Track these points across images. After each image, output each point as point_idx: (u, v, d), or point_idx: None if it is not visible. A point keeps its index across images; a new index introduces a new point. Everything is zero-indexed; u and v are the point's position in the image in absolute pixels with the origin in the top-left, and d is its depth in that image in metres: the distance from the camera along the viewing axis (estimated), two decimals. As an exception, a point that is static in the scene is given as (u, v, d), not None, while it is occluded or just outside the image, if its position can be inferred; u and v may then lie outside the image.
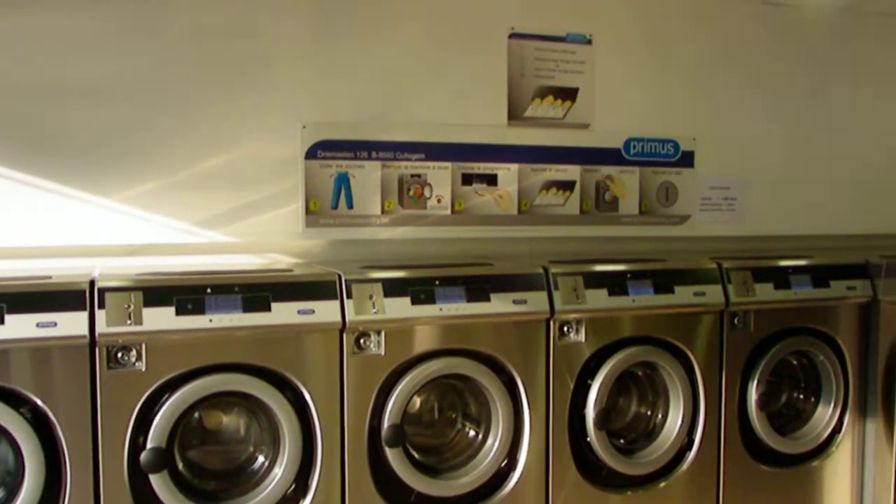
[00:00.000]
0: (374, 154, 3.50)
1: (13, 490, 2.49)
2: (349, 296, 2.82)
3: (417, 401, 3.16)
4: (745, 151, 4.20)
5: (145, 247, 3.29)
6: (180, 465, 2.75)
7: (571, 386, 3.15)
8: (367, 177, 3.49)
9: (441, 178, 3.60)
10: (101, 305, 2.56)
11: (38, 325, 2.49)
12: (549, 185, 3.78)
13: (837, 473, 3.67)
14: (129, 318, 2.57)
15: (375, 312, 2.83)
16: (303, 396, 2.78)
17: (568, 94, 3.81)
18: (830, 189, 4.39)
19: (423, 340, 2.95)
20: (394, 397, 2.88)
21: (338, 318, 2.80)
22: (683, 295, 3.29)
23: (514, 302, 3.02)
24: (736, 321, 3.40)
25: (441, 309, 2.92)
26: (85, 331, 2.53)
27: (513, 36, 3.70)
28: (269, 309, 2.71)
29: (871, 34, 4.43)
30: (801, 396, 3.69)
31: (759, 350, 3.45)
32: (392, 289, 2.89)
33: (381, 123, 3.53)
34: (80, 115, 3.18)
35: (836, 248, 4.18)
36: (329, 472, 2.83)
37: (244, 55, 3.36)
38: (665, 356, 3.28)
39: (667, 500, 3.35)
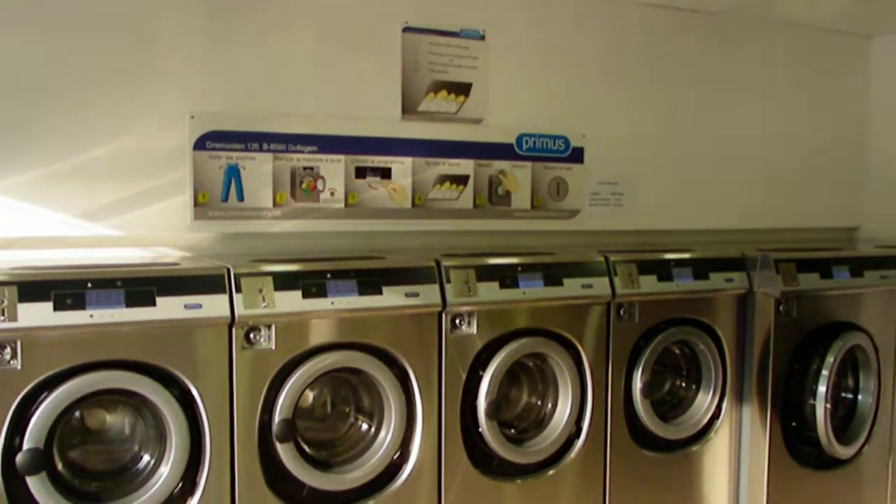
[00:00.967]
0: (265, 146, 3.45)
1: None
2: (238, 290, 2.77)
3: (310, 395, 3.13)
4: (632, 148, 4.34)
5: (21, 239, 3.14)
6: (60, 466, 2.65)
7: (463, 377, 3.19)
8: (259, 169, 3.44)
9: (334, 170, 3.58)
10: (-28, 301, 2.44)
11: None
12: (442, 179, 3.81)
13: (716, 457, 3.84)
14: (3, 314, 2.45)
15: (265, 306, 2.79)
16: (190, 393, 2.72)
17: (462, 89, 3.84)
18: (712, 186, 4.59)
19: (315, 334, 2.93)
20: (285, 392, 2.84)
21: (226, 312, 2.74)
22: (572, 287, 3.38)
23: (407, 295, 3.04)
24: (622, 312, 3.51)
25: (333, 302, 2.90)
26: (-47, 328, 2.41)
27: (407, 30, 3.71)
28: (153, 304, 2.63)
29: (751, 38, 4.64)
30: (683, 384, 3.85)
31: (644, 340, 3.58)
32: (283, 282, 2.85)
33: (273, 115, 3.48)
34: (-50, 101, 3.02)
35: (716, 243, 4.38)
36: (218, 470, 2.78)
37: (129, 41, 3.24)
38: (554, 347, 3.36)
39: (556, 486, 3.44)
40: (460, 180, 3.85)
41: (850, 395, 4.02)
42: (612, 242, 4.19)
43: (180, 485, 2.72)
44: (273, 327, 2.82)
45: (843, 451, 3.89)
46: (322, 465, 3.00)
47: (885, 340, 4.04)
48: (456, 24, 3.83)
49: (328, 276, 2.93)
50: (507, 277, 3.25)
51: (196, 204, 3.35)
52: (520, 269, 3.29)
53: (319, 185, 3.56)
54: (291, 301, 2.85)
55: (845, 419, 4.00)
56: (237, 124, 3.40)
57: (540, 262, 3.36)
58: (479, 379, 3.21)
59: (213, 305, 2.73)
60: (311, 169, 3.54)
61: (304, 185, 3.53)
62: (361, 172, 3.64)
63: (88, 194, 3.23)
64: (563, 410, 3.41)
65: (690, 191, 4.53)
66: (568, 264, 3.42)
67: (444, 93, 3.81)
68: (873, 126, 5.06)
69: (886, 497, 4.17)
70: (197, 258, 3.24)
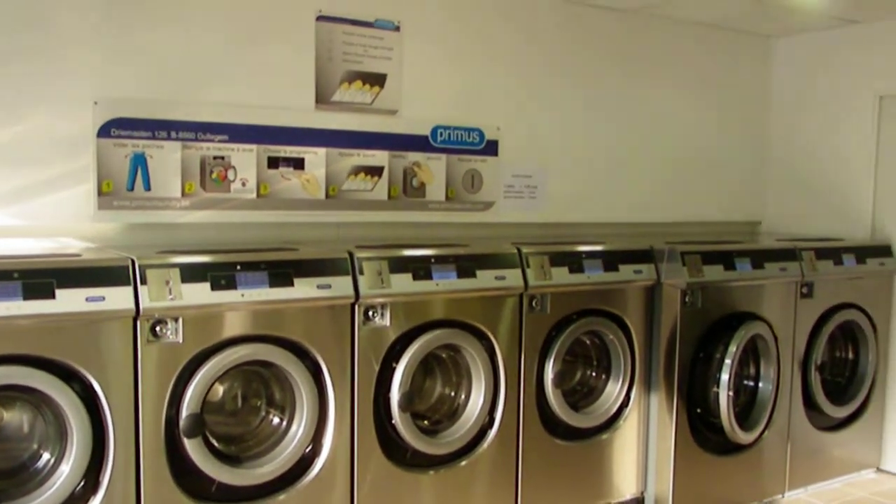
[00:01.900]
0: (173, 134, 3.36)
1: None
2: (143, 282, 2.69)
3: (220, 389, 3.07)
4: (546, 142, 4.40)
5: (-90, 229, 2.99)
6: (-49, 467, 2.54)
7: (376, 369, 3.19)
8: (167, 158, 3.35)
9: (246, 160, 3.51)
10: None
11: None
12: (357, 171, 3.78)
13: (625, 444, 3.94)
14: None
15: (172, 299, 2.72)
16: (92, 388, 2.63)
17: (376, 80, 3.82)
18: (623, 180, 4.69)
19: (225, 327, 2.87)
20: (192, 386, 2.79)
21: (131, 305, 2.67)
22: (485, 279, 3.40)
23: (319, 287, 3.01)
24: (534, 304, 3.56)
25: (243, 295, 2.85)
26: None
27: (320, 18, 3.66)
28: (52, 296, 2.54)
29: (661, 36, 4.76)
30: (594, 374, 3.93)
31: (556, 331, 3.64)
32: (190, 274, 2.79)
33: (182, 102, 3.39)
34: None
35: (626, 235, 4.48)
36: (123, 467, 2.70)
37: (27, 22, 3.11)
38: (468, 338, 3.39)
39: (469, 477, 3.47)
40: (375, 171, 3.83)
41: (751, 383, 4.17)
42: (526, 234, 4.24)
43: (82, 483, 2.64)
44: (180, 320, 2.75)
45: (745, 437, 4.03)
46: (232, 459, 2.95)
47: (784, 330, 4.20)
48: (371, 14, 3.80)
49: (238, 267, 2.87)
50: (420, 269, 3.25)
51: (100, 193, 3.24)
52: (433, 260, 3.30)
53: (230, 174, 3.48)
54: (200, 293, 2.78)
55: (747, 406, 4.15)
56: (144, 111, 3.30)
57: (453, 253, 3.38)
58: (393, 371, 3.21)
59: (117, 298, 2.65)
60: (222, 158, 3.47)
61: (214, 175, 3.45)
62: (274, 162, 3.59)
63: (-16, 182, 3.09)
64: (477, 401, 3.43)
65: (602, 184, 4.62)
66: (481, 256, 3.44)
67: (358, 83, 3.78)
68: (774, 124, 5.26)
69: (785, 480, 4.35)
70: (101, 249, 3.13)
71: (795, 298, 4.25)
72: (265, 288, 2.89)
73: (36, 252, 2.86)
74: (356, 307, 3.12)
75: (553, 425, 3.70)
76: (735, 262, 3.99)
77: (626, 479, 3.96)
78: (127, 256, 2.74)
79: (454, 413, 3.47)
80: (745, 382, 4.17)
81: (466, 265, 3.37)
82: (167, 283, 2.73)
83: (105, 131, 3.23)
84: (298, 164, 3.64)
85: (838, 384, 4.61)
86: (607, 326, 3.79)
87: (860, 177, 4.80)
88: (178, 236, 3.42)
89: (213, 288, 2.81)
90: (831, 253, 4.39)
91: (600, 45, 4.55)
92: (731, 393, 3.87)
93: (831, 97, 4.94)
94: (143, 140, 3.30)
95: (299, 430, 3.02)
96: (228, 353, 2.85)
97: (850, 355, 4.63)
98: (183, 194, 3.39)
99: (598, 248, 3.81)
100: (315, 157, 3.67)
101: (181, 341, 2.77)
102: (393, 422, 3.22)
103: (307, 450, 3.06)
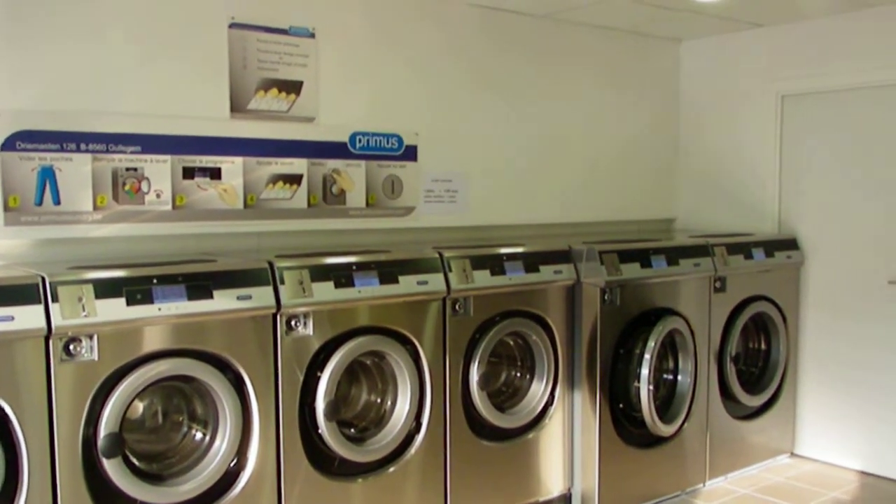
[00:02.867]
0: (83, 146, 3.26)
1: None
2: (55, 299, 2.61)
3: (139, 406, 3.00)
4: (465, 146, 4.43)
5: None
6: None
7: (301, 379, 3.16)
8: (76, 170, 3.25)
9: (160, 171, 3.44)
10: None
11: None
12: (275, 179, 3.75)
13: (551, 442, 4.00)
14: None
15: (86, 316, 2.65)
16: (3, 411, 2.54)
17: (292, 87, 3.79)
18: (541, 182, 4.76)
19: (143, 342, 2.81)
20: (110, 405, 2.72)
21: (42, 323, 2.58)
22: (407, 284, 3.41)
23: (239, 298, 2.97)
24: (457, 307, 3.59)
25: (160, 309, 2.79)
26: None
27: (233, 26, 3.61)
28: (-43, 317, 2.44)
29: (575, 41, 4.85)
30: (518, 374, 3.98)
31: (479, 333, 3.68)
32: (105, 290, 2.72)
33: (91, 113, 3.29)
34: None
35: (546, 236, 4.55)
36: (38, 491, 2.61)
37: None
38: (392, 344, 3.39)
39: (398, 483, 3.47)
40: (294, 179, 3.80)
41: (670, 376, 4.29)
42: (447, 238, 4.27)
43: (-5, 510, 2.54)
44: (95, 337, 2.68)
45: (666, 429, 4.14)
46: (153, 478, 2.88)
47: (700, 324, 4.34)
48: (285, 21, 3.77)
49: (154, 281, 2.81)
50: (342, 277, 3.24)
51: (6, 209, 3.12)
52: (355, 267, 3.29)
53: (144, 186, 3.40)
54: (115, 309, 2.71)
55: (666, 399, 4.27)
56: (51, 123, 3.19)
57: (375, 260, 3.38)
58: (317, 380, 3.19)
59: (27, 317, 2.56)
60: (135, 170, 3.38)
61: (127, 187, 3.37)
62: (189, 173, 3.52)
63: None
64: (403, 407, 3.44)
65: (521, 187, 4.68)
66: (403, 262, 3.45)
67: (274, 91, 3.74)
68: (684, 124, 5.43)
69: (705, 469, 4.48)
70: (9, 266, 3.01)
71: (709, 293, 4.39)
72: (183, 301, 2.84)
73: (-62, 272, 2.75)
74: (278, 317, 3.09)
75: (480, 427, 3.73)
76: (651, 260, 4.10)
77: (553, 476, 4.02)
78: (37, 273, 2.65)
79: (381, 420, 3.46)
80: (665, 376, 4.29)
81: (388, 271, 3.37)
82: (80, 299, 2.65)
83: (10, 144, 3.11)
84: (215, 173, 3.58)
85: (752, 374, 4.78)
86: (530, 327, 3.85)
87: (766, 173, 4.99)
88: (92, 251, 3.32)
89: (129, 303, 2.74)
90: (741, 248, 4.55)
91: (516, 50, 4.61)
92: (650, 387, 3.97)
93: (737, 97, 5.12)
94: (50, 153, 3.19)
95: (223, 444, 2.97)
96: (147, 370, 2.79)
97: (763, 346, 4.80)
98: (95, 208, 3.29)
99: (519, 249, 3.86)
100: (232, 166, 3.62)
101: (97, 359, 2.69)
102: (319, 431, 3.20)
103: (232, 464, 3.01)
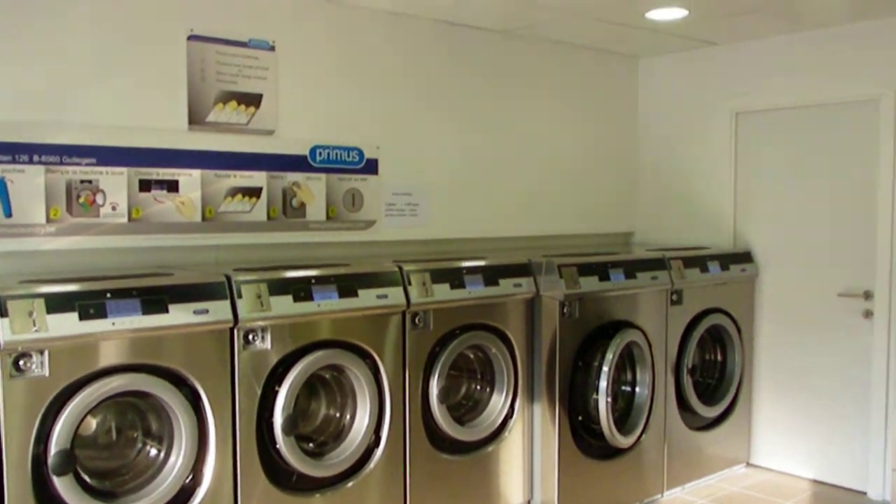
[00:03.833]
0: (36, 158, 3.21)
1: None
2: (5, 314, 2.56)
3: (93, 422, 2.95)
4: (426, 160, 4.44)
5: None
6: None
7: (258, 393, 3.13)
8: (29, 182, 3.19)
9: (116, 183, 3.39)
10: None
11: None
12: (234, 192, 3.72)
13: (511, 455, 4.01)
14: None
15: (37, 331, 2.60)
16: (-50, 429, 2.49)
17: (252, 100, 3.77)
18: (502, 195, 4.78)
19: (96, 358, 2.76)
20: (61, 421, 2.66)
21: (-9, 338, 2.53)
22: (367, 298, 3.40)
23: (196, 312, 2.94)
24: (417, 321, 3.59)
25: (114, 323, 2.75)
26: None
27: (192, 38, 3.59)
28: None
29: (535, 57, 4.89)
30: (478, 387, 3.99)
31: (439, 346, 3.68)
32: (57, 304, 2.67)
33: (44, 124, 3.24)
34: None
35: (506, 249, 4.58)
36: (-14, 511, 2.56)
37: None
38: (351, 358, 3.38)
39: (357, 498, 3.45)
40: (253, 192, 3.78)
41: (628, 388, 4.33)
42: (408, 252, 4.27)
43: (-60, 531, 2.48)
44: (46, 353, 2.63)
45: (624, 441, 4.18)
46: (106, 495, 2.83)
47: (657, 336, 4.39)
48: (245, 34, 3.75)
49: (108, 295, 2.77)
50: (301, 290, 3.23)
51: (-44, 221, 3.06)
52: (314, 281, 3.28)
53: (99, 198, 3.36)
54: (67, 324, 2.67)
55: (625, 411, 4.30)
56: (3, 135, 3.14)
57: (334, 273, 3.36)
58: (275, 394, 3.16)
59: (-24, 332, 2.51)
60: (90, 182, 3.34)
61: (81, 200, 3.32)
62: (146, 185, 3.48)
63: None
64: (362, 421, 3.43)
65: (482, 200, 4.70)
66: (362, 275, 3.45)
67: (233, 103, 3.72)
68: (642, 139, 5.50)
69: (663, 480, 4.53)
70: (-42, 281, 2.96)
71: (666, 305, 4.45)
72: (138, 315, 2.80)
73: None
74: (235, 331, 3.06)
75: (440, 441, 3.72)
76: (609, 273, 4.15)
77: (513, 489, 4.03)
78: (-14, 288, 2.60)
79: (340, 434, 3.44)
80: (623, 388, 4.33)
81: (348, 285, 3.36)
82: (31, 314, 2.60)
83: (-40, 156, 3.06)
84: (172, 186, 3.54)
85: (709, 385, 4.85)
86: (490, 340, 3.86)
87: (721, 189, 5.08)
88: (45, 264, 3.26)
89: (82, 318, 2.70)
90: (697, 261, 4.62)
91: (476, 64, 4.64)
92: (609, 399, 4.00)
93: (693, 114, 5.21)
94: (2, 164, 3.13)
95: (178, 460, 2.93)
96: (100, 385, 2.74)
97: (719, 357, 4.87)
98: (48, 220, 3.24)
99: (479, 263, 3.87)
100: (190, 179, 3.59)
101: (48, 375, 2.65)
102: (277, 446, 3.17)
103: (187, 480, 2.97)
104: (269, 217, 3.83)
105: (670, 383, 4.50)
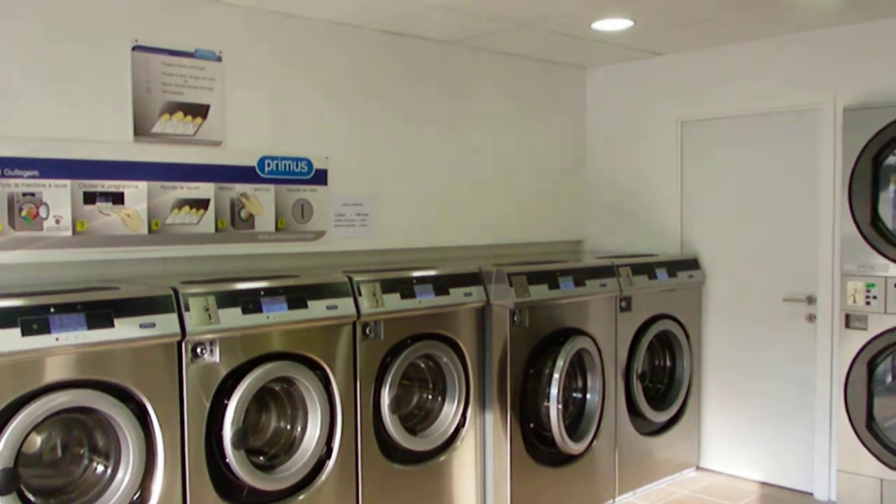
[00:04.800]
0: (-24, 171, 3.15)
1: None
2: (-58, 331, 2.51)
3: (37, 439, 2.90)
4: (376, 170, 4.45)
5: None
6: None
7: (207, 407, 3.10)
8: (-31, 196, 3.13)
9: (59, 196, 3.34)
10: None
11: None
12: (181, 204, 3.68)
13: (463, 464, 4.02)
14: None
15: (-23, 347, 2.55)
16: None
17: (198, 111, 3.75)
18: (452, 205, 4.81)
19: (40, 374, 2.72)
20: (4, 438, 2.61)
21: (-72, 356, 2.48)
22: (317, 309, 3.40)
23: (142, 326, 2.90)
24: (368, 331, 3.59)
25: (58, 339, 2.71)
26: None
27: (137, 48, 3.55)
28: None
29: (485, 68, 4.94)
30: (430, 397, 4.00)
31: (391, 356, 3.68)
32: (-2, 320, 2.62)
33: (-16, 137, 3.19)
34: None
35: (457, 259, 4.60)
36: (-76, 533, 2.49)
37: None
38: (301, 370, 3.36)
39: (309, 510, 3.43)
40: (200, 204, 3.75)
41: (579, 395, 4.38)
42: (359, 262, 4.27)
43: None
44: (-13, 369, 2.58)
45: (576, 447, 4.22)
46: (52, 514, 2.78)
47: (607, 343, 4.45)
48: (190, 44, 3.72)
49: (52, 310, 2.73)
50: (249, 302, 3.21)
51: None
52: (263, 293, 3.26)
53: (42, 212, 3.30)
54: (9, 340, 2.62)
55: (576, 417, 4.35)
56: (-59, 147, 3.08)
57: (283, 285, 3.35)
58: (224, 408, 3.14)
59: (-87, 350, 2.45)
60: (33, 195, 3.28)
61: (24, 213, 3.26)
62: (91, 198, 3.43)
63: None
64: (313, 433, 3.41)
65: (432, 210, 4.72)
66: (312, 286, 3.44)
67: (179, 114, 3.69)
68: (590, 148, 5.58)
69: (615, 485, 4.58)
70: None
71: (615, 312, 4.51)
72: (83, 330, 2.76)
73: None
74: (183, 345, 3.03)
75: (392, 451, 3.72)
76: (559, 281, 4.19)
77: (465, 497, 4.04)
78: (-77, 304, 2.54)
79: (291, 446, 3.42)
80: (574, 395, 4.38)
81: (297, 296, 3.35)
82: (-29, 330, 2.55)
83: None
84: (117, 198, 3.50)
85: (658, 391, 4.93)
86: (441, 349, 3.87)
87: (668, 196, 5.18)
88: (-15, 279, 3.20)
89: (25, 333, 2.65)
90: (645, 268, 4.70)
91: (426, 75, 4.67)
92: (560, 406, 4.04)
93: (640, 123, 5.30)
94: (-60, 178, 3.07)
95: (126, 476, 2.89)
96: (44, 402, 2.70)
97: (668, 363, 4.95)
98: (-11, 234, 3.18)
99: (429, 272, 3.89)
100: (135, 190, 3.55)
101: (-11, 392, 2.59)
102: (227, 460, 3.15)
103: (135, 497, 2.93)
104: (217, 229, 3.80)
105: (620, 389, 4.56)
